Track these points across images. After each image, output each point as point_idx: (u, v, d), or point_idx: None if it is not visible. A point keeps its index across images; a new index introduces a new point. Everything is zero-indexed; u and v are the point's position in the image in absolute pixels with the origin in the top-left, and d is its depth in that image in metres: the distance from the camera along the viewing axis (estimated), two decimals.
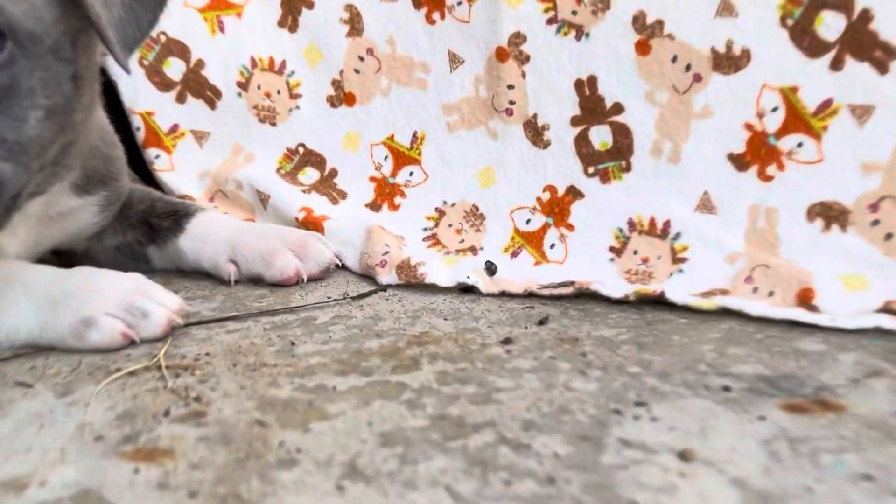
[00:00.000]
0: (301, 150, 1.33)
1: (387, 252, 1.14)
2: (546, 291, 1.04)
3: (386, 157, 1.30)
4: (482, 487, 0.63)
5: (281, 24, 1.33)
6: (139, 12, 0.78)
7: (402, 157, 1.29)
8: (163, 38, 1.31)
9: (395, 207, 1.27)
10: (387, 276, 1.13)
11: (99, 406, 0.81)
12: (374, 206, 1.27)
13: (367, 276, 1.18)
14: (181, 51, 1.30)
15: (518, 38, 1.18)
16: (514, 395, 0.78)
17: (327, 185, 1.29)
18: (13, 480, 0.65)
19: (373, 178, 1.29)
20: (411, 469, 0.66)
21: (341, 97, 1.33)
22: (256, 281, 1.18)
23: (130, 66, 0.80)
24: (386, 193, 1.27)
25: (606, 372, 0.83)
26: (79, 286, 0.92)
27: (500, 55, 1.19)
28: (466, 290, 1.10)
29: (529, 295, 1.05)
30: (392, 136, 1.30)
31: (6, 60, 0.69)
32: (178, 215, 1.16)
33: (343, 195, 1.28)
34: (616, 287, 1.01)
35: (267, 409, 0.77)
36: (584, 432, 0.71)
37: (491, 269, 1.11)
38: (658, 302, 1.00)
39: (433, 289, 1.12)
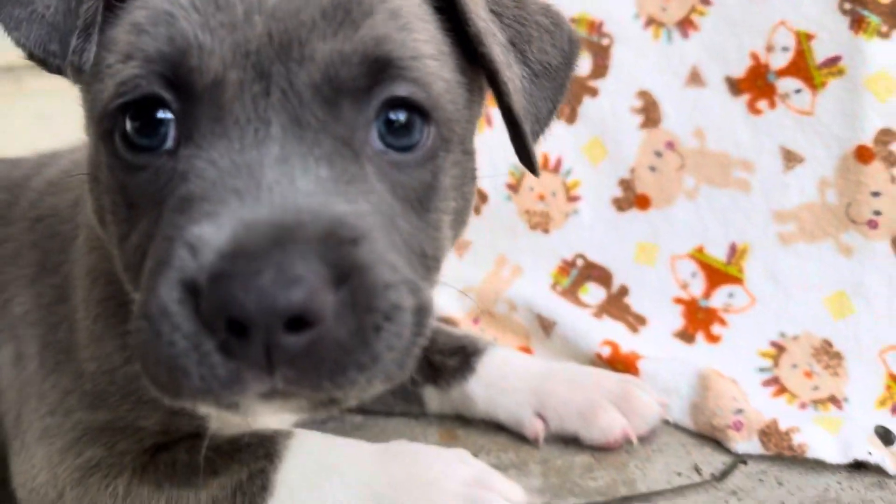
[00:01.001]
0: (580, 262, 1.17)
1: (740, 410, 0.92)
2: None
3: (694, 274, 1.13)
4: None
5: (557, 114, 1.14)
6: (538, 100, 0.67)
7: (717, 275, 1.12)
8: None
9: (713, 339, 1.11)
10: (745, 443, 0.95)
11: None
12: (686, 336, 1.12)
13: (705, 436, 0.95)
14: None
15: (887, 136, 1.00)
16: None
17: (619, 307, 1.12)
18: None
19: (678, 300, 1.13)
20: None
21: (631, 199, 1.17)
22: (566, 440, 0.96)
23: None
24: (699, 320, 1.11)
25: None
26: (408, 476, 0.76)
27: (862, 155, 1.01)
28: (858, 466, 0.86)
29: None
30: (701, 248, 1.13)
31: (430, 152, 0.58)
32: (465, 352, 1.00)
33: (642, 321, 1.13)
34: None
35: None
36: None
37: (888, 436, 0.88)
38: None
39: (807, 463, 0.89)
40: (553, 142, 1.16)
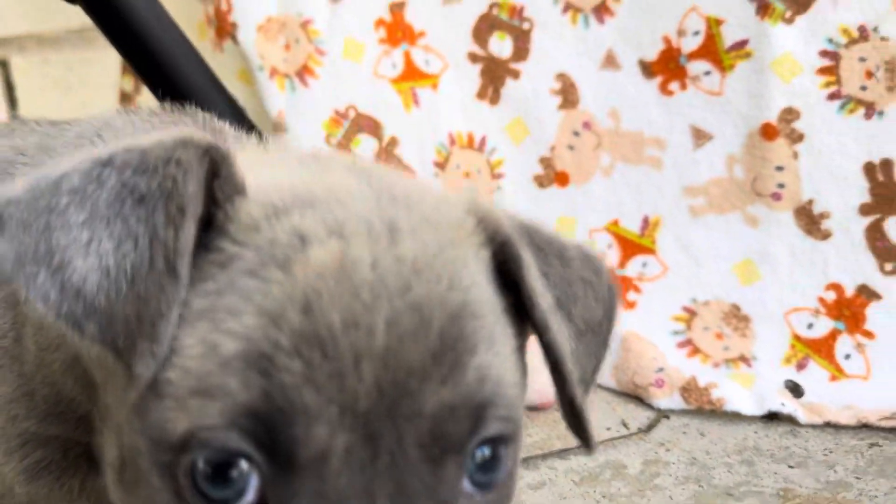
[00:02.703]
0: None
1: (661, 369, 0.94)
2: (888, 423, 0.84)
3: (610, 245, 1.14)
4: None
5: (480, 95, 1.18)
6: (583, 357, 0.56)
7: (631, 246, 1.13)
8: (352, 114, 1.15)
9: (630, 305, 1.11)
10: (667, 399, 0.96)
11: None
12: None
13: (628, 394, 0.98)
14: (372, 127, 1.15)
15: (790, 114, 1.02)
16: None
17: None
18: None
19: None
20: None
21: (552, 177, 1.17)
22: None
23: None
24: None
25: None
26: None
27: (767, 132, 1.04)
28: (771, 416, 0.90)
29: (862, 426, 0.86)
30: (616, 222, 1.14)
31: (513, 467, 0.50)
32: None
33: None
34: None
35: None
36: None
37: (796, 390, 0.92)
38: None
39: (725, 415, 0.92)
40: (477, 122, 1.16)
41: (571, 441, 0.87)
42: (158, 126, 0.71)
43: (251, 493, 0.44)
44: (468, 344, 0.47)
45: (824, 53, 1.01)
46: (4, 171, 0.69)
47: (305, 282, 0.46)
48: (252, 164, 0.53)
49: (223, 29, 1.14)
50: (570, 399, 0.54)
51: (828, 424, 0.88)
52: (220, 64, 1.15)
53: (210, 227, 0.48)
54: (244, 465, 0.44)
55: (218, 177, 0.48)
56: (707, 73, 1.07)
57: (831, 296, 1.00)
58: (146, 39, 1.00)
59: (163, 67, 0.97)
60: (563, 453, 0.85)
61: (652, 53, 1.10)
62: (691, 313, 1.05)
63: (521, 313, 0.54)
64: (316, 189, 0.54)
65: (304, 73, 1.13)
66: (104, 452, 0.54)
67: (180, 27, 1.03)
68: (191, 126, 0.68)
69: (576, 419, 0.55)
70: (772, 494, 0.75)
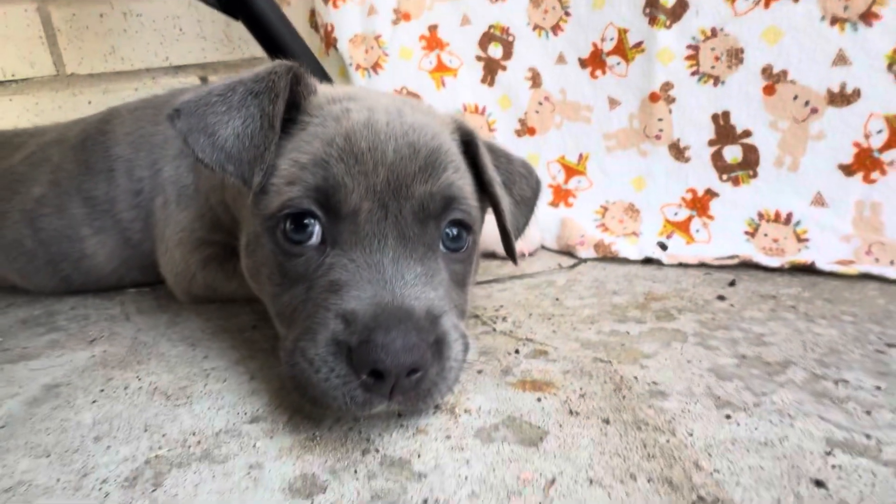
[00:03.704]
0: None
1: (583, 235, 0.98)
2: (717, 262, 0.87)
3: (559, 171, 1.14)
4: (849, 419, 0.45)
5: (483, 81, 1.19)
6: (518, 217, 0.65)
7: (571, 171, 1.13)
8: (404, 92, 1.15)
9: (569, 205, 1.12)
10: (585, 252, 0.98)
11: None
12: (554, 205, 1.11)
13: (564, 252, 1.01)
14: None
15: (667, 86, 1.01)
16: (778, 338, 0.61)
17: None
18: (451, 407, 0.49)
19: (549, 185, 1.13)
20: (767, 399, 0.48)
21: (525, 130, 1.17)
22: (487, 254, 1.01)
23: None
24: (560, 196, 1.12)
25: (830, 321, 0.65)
26: None
27: (653, 98, 1.03)
28: (647, 261, 0.93)
29: (701, 265, 0.88)
30: (563, 157, 1.15)
31: (469, 250, 0.55)
32: None
33: None
34: (770, 259, 0.84)
35: (590, 348, 0.60)
36: (877, 368, 0.53)
37: (664, 246, 0.94)
38: (804, 270, 0.83)
39: (620, 261, 0.95)
40: (481, 97, 1.17)
41: (526, 272, 0.92)
42: None
43: (316, 235, 0.49)
44: (441, 167, 0.52)
45: (689, 46, 1.00)
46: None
47: (347, 126, 0.52)
48: (327, 87, 0.60)
49: (329, 42, 1.18)
50: (506, 233, 0.62)
51: (680, 265, 0.91)
52: (328, 64, 1.19)
53: (298, 110, 0.54)
54: (311, 220, 0.49)
55: (300, 83, 0.54)
56: (618, 63, 1.07)
57: (689, 196, 1.02)
58: (284, 47, 1.04)
59: (291, 57, 1.02)
60: (520, 278, 0.89)
61: (586, 53, 1.11)
62: (605, 209, 1.08)
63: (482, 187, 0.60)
64: (358, 92, 0.60)
65: (376, 66, 1.16)
66: (241, 244, 0.61)
67: (305, 41, 1.07)
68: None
69: (508, 246, 0.63)
70: (640, 294, 0.78)
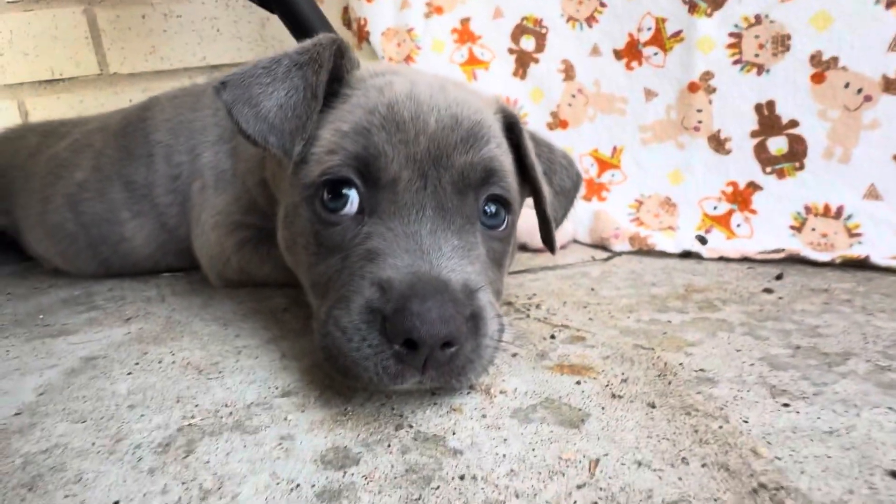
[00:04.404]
0: None
1: (618, 228, 0.94)
2: (761, 256, 0.83)
3: (592, 164, 1.11)
4: None
5: (515, 74, 1.18)
6: (557, 207, 0.64)
7: (605, 164, 1.10)
8: None
9: (602, 199, 1.08)
10: (619, 245, 0.94)
11: None
12: (587, 199, 1.08)
13: (598, 246, 0.98)
14: None
15: (708, 75, 0.98)
16: (835, 330, 0.57)
17: None
18: (486, 388, 0.46)
19: (583, 179, 1.08)
20: (829, 389, 0.44)
21: (557, 123, 1.15)
22: (520, 247, 0.99)
23: None
24: (594, 189, 1.08)
25: (890, 314, 0.60)
26: None
27: (692, 88, 1.00)
28: (685, 255, 0.89)
29: (743, 259, 0.84)
30: (596, 150, 1.11)
31: (508, 230, 0.53)
32: None
33: None
34: (819, 254, 0.79)
35: (629, 335, 0.57)
36: None
37: (703, 240, 0.90)
38: (857, 265, 0.78)
39: (656, 254, 0.92)
40: (513, 90, 1.15)
41: (559, 264, 0.90)
42: None
43: (354, 204, 0.48)
44: (483, 139, 0.50)
45: (732, 34, 0.97)
46: None
47: (390, 96, 0.50)
48: (371, 63, 0.59)
49: (362, 36, 1.18)
50: (545, 220, 0.59)
51: (721, 259, 0.87)
52: (360, 57, 1.19)
53: (340, 84, 0.53)
54: (349, 189, 0.48)
55: (343, 57, 0.53)
56: (655, 53, 1.04)
57: (730, 189, 0.98)
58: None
59: None
60: (552, 269, 0.87)
61: (621, 44, 1.08)
62: (640, 203, 1.04)
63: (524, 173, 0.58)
64: (401, 68, 0.59)
65: (408, 60, 1.15)
66: (278, 218, 0.59)
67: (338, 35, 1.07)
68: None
69: (548, 235, 0.61)
70: (680, 286, 0.75)
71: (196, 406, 0.44)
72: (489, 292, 0.47)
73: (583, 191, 1.10)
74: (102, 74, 1.56)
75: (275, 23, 1.50)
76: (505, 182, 0.52)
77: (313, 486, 0.35)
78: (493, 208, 0.52)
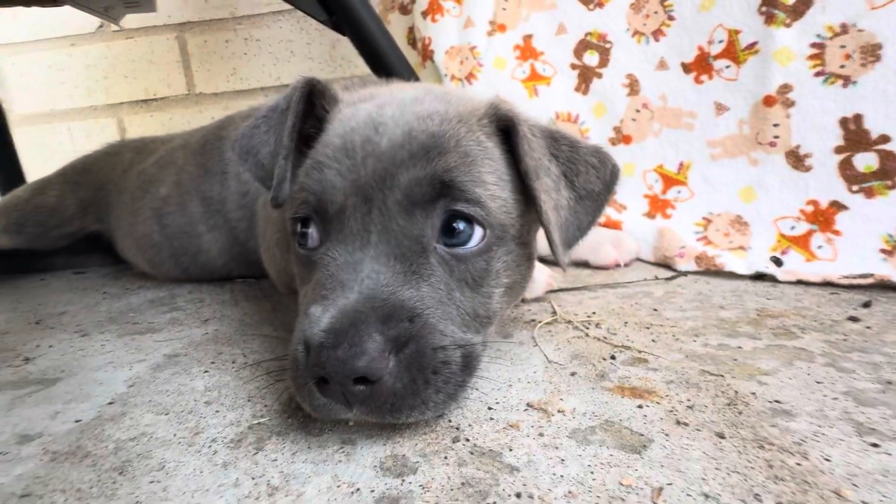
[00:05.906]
0: None
1: (683, 246, 0.89)
2: (846, 281, 0.75)
3: (656, 181, 1.07)
4: None
5: (577, 89, 1.15)
6: (581, 215, 0.53)
7: (671, 180, 1.05)
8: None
9: (667, 217, 1.03)
10: (685, 265, 0.89)
11: (547, 348, 0.60)
12: (650, 216, 1.03)
13: (661, 264, 0.93)
14: None
15: (785, 88, 0.91)
16: None
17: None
18: (544, 406, 0.44)
19: (646, 195, 1.06)
20: None
21: (620, 138, 1.11)
22: (579, 263, 0.95)
23: None
24: (659, 206, 1.03)
25: None
26: None
27: (768, 101, 0.93)
28: (758, 277, 0.82)
29: (825, 284, 0.77)
30: (661, 165, 1.07)
31: (484, 248, 0.49)
32: None
33: (623, 207, 1.08)
34: None
35: (696, 360, 0.53)
36: None
37: (778, 262, 0.84)
38: None
39: (725, 275, 0.86)
40: (574, 106, 1.14)
41: (620, 282, 0.86)
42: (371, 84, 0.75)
43: (316, 235, 0.48)
44: (438, 151, 0.47)
45: (814, 45, 0.90)
46: None
47: (349, 125, 0.50)
48: (355, 93, 0.59)
49: (426, 55, 1.20)
50: (547, 232, 0.49)
51: (799, 282, 0.80)
52: (424, 76, 1.21)
53: (321, 121, 0.54)
54: (309, 225, 0.49)
55: (324, 97, 0.54)
56: (727, 66, 0.99)
57: (810, 208, 0.90)
58: (386, 61, 1.06)
59: (390, 67, 1.04)
60: (613, 287, 0.84)
61: (690, 57, 1.04)
62: (708, 221, 0.99)
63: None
64: (380, 91, 0.58)
65: (470, 77, 1.16)
66: (262, 255, 0.64)
67: (404, 56, 1.10)
68: (383, 85, 0.69)
69: (552, 245, 0.50)
70: (752, 310, 0.70)
71: (265, 406, 0.46)
72: (445, 315, 0.44)
73: (645, 208, 1.06)
74: (189, 94, 1.68)
75: (344, 43, 1.57)
76: (470, 195, 0.47)
77: (372, 490, 0.36)
78: (460, 224, 0.47)
